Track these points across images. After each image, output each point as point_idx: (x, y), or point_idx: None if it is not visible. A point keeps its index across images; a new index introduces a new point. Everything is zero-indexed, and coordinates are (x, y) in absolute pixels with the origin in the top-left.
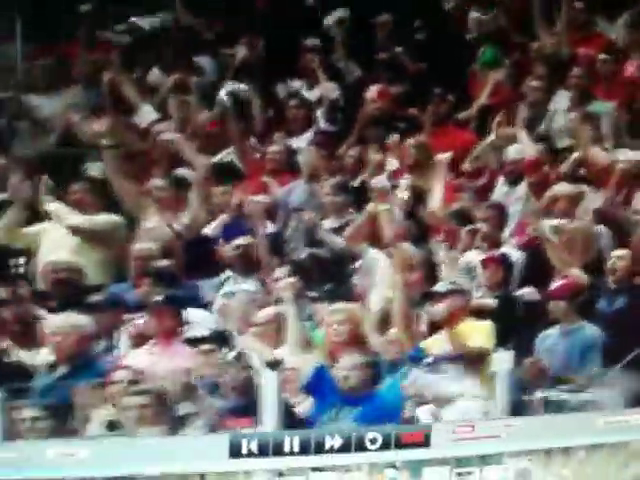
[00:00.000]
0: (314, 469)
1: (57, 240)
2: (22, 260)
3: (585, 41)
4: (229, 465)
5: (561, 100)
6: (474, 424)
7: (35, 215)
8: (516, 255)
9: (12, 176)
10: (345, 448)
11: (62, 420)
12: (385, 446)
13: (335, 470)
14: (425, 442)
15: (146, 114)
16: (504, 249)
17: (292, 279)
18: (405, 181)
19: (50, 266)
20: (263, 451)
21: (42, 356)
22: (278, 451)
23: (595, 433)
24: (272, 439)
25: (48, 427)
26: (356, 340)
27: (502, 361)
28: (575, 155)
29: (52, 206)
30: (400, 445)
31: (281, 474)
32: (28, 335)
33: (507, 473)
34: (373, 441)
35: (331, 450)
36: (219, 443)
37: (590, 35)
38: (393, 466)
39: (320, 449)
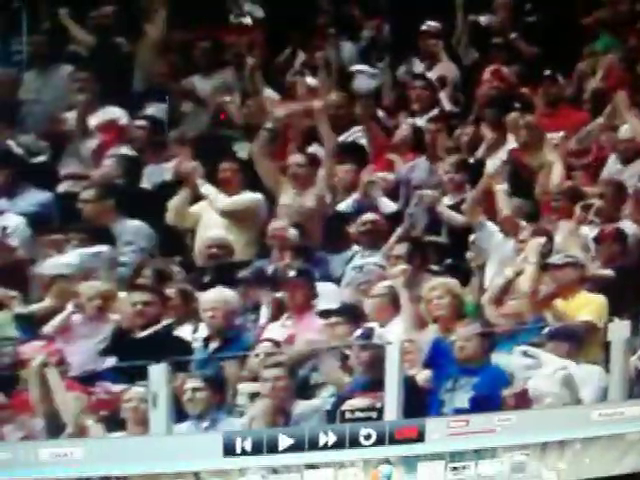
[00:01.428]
0: (308, 466)
1: (211, 219)
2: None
3: None
4: (223, 463)
5: None
6: (468, 419)
7: (195, 196)
8: (632, 229)
9: (178, 158)
10: (339, 444)
11: (218, 392)
12: (379, 442)
13: (329, 467)
14: (419, 437)
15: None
16: (620, 224)
17: (403, 266)
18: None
19: (206, 242)
20: (257, 449)
21: (200, 332)
22: (272, 449)
23: (590, 426)
24: (266, 436)
25: (206, 397)
26: (457, 312)
27: (618, 331)
28: None
29: (205, 189)
30: (394, 441)
31: (275, 471)
32: (188, 311)
33: (503, 467)
34: (367, 437)
35: (325, 447)
36: (213, 441)
37: None
38: (387, 461)
39: (314, 446)
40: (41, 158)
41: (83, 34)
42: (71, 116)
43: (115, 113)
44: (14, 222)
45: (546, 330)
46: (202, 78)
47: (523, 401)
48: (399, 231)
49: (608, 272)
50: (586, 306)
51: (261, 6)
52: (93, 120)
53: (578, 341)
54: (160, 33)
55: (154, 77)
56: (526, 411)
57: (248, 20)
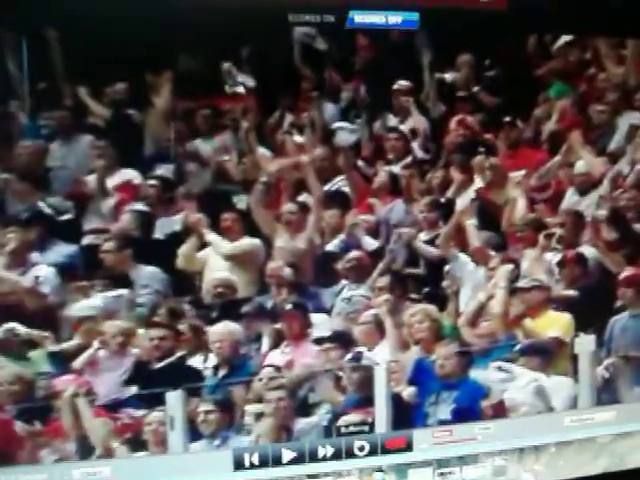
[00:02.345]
0: (309, 476)
1: (216, 263)
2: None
3: None
4: (234, 477)
5: (628, 119)
6: (452, 429)
7: (202, 243)
8: (592, 252)
9: (185, 211)
10: (336, 456)
11: (228, 413)
12: (372, 452)
13: (329, 476)
14: (408, 447)
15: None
16: (580, 249)
17: (386, 295)
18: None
19: (212, 283)
20: (263, 462)
21: (210, 361)
22: (277, 462)
23: (563, 431)
24: (271, 451)
25: (217, 419)
26: (436, 334)
27: (584, 345)
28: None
29: (210, 237)
30: (385, 451)
31: None
32: (198, 344)
33: (485, 471)
34: (361, 448)
35: (324, 458)
36: (224, 457)
37: None
38: (380, 470)
39: (314, 458)
40: (67, 216)
41: (100, 108)
42: (92, 179)
43: (130, 174)
44: (45, 272)
45: (518, 347)
46: (203, 141)
47: (500, 411)
48: (381, 265)
49: (572, 292)
50: (553, 324)
51: (252, 76)
52: (111, 182)
53: (548, 355)
54: (166, 104)
55: (162, 142)
56: (503, 420)
57: (241, 89)
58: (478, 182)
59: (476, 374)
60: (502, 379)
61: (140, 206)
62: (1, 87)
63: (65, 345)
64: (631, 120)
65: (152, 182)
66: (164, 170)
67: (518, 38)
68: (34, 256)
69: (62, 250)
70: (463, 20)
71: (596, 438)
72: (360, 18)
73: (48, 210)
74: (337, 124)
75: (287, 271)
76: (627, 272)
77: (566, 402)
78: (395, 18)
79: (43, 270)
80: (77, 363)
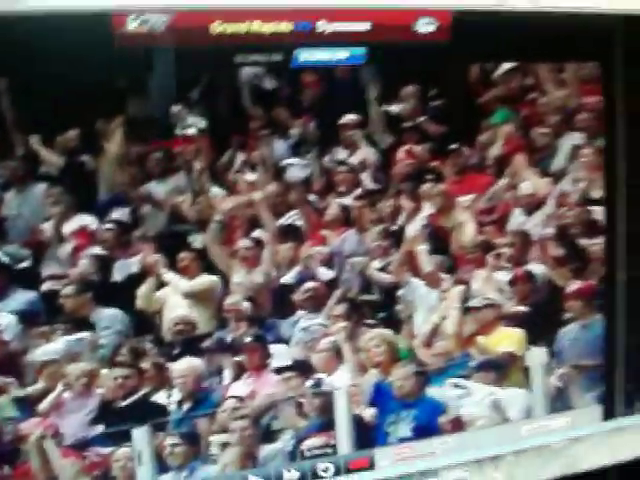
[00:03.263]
0: None
1: (175, 301)
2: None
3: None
4: None
5: (570, 140)
6: (412, 445)
7: (160, 283)
8: (540, 269)
9: (142, 253)
10: (302, 479)
11: (194, 445)
12: (337, 473)
13: None
14: (370, 465)
15: (217, 192)
16: (529, 266)
17: (343, 323)
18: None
19: (172, 321)
20: None
21: (174, 396)
22: None
23: (519, 440)
24: (238, 479)
25: (184, 451)
26: (393, 357)
27: (536, 357)
28: (582, 185)
29: (168, 276)
30: (349, 471)
31: None
32: (162, 380)
33: None
34: (325, 470)
35: None
36: None
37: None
38: None
39: None
40: (25, 264)
41: (52, 156)
42: (48, 226)
43: (85, 220)
44: (6, 320)
45: (472, 363)
46: (157, 183)
47: (458, 425)
48: (337, 294)
49: (522, 308)
50: (506, 339)
51: (203, 118)
52: (67, 228)
53: (501, 370)
54: (118, 149)
55: (116, 186)
56: (462, 433)
57: (192, 131)
58: (427, 209)
59: (433, 392)
60: (458, 395)
61: (97, 250)
62: None
63: (30, 389)
64: (572, 141)
65: (108, 226)
66: (119, 214)
67: (461, 68)
68: None
69: (22, 297)
70: (408, 53)
71: (551, 444)
72: (306, 56)
73: (5, 259)
74: (288, 160)
75: (245, 305)
76: (574, 285)
77: (521, 412)
78: (341, 55)
79: (4, 318)
80: (43, 406)
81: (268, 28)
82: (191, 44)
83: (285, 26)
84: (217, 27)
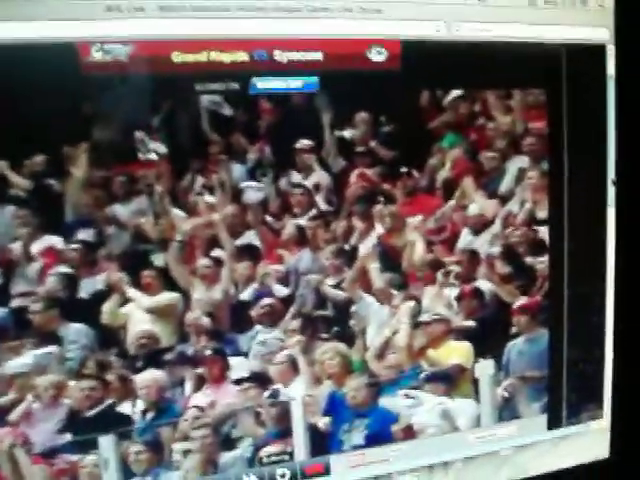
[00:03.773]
0: None
1: (139, 316)
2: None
3: (536, 117)
4: None
5: (517, 164)
6: (364, 452)
7: (124, 299)
8: (487, 286)
9: (107, 271)
10: None
11: (157, 452)
12: (293, 478)
13: None
14: (326, 471)
15: (178, 214)
16: (476, 283)
17: (298, 337)
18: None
19: (136, 335)
20: None
21: (138, 406)
22: None
23: (468, 447)
24: None
25: (148, 458)
26: (346, 369)
27: (484, 369)
28: (528, 206)
29: (131, 292)
30: (305, 476)
31: None
32: (126, 391)
33: None
34: (282, 476)
35: None
36: None
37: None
38: None
39: None
40: None
41: (20, 179)
42: (17, 246)
43: (52, 240)
44: None
45: (423, 375)
46: (121, 205)
47: (410, 434)
48: (292, 310)
49: (470, 323)
50: (454, 352)
51: (164, 143)
52: (35, 247)
53: (451, 381)
54: (83, 173)
55: (82, 208)
56: (413, 441)
57: (154, 156)
58: (379, 229)
59: (385, 402)
60: (409, 405)
61: (64, 269)
62: None
63: (0, 400)
64: (519, 164)
65: (74, 246)
66: (85, 234)
67: (412, 95)
68: None
69: None
70: (360, 81)
71: (499, 451)
72: (263, 84)
73: None
74: (245, 183)
75: (205, 320)
76: (520, 301)
77: (470, 421)
78: (296, 82)
79: None
80: (12, 416)
81: (226, 57)
82: (153, 73)
83: (242, 55)
84: (178, 56)
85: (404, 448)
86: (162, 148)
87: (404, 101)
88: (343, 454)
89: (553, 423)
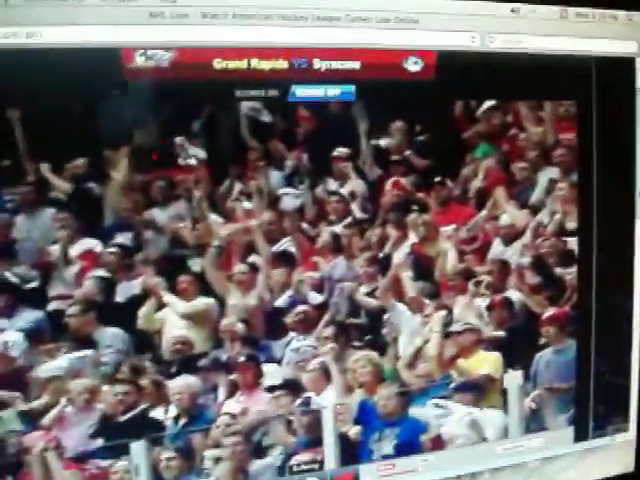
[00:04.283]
0: None
1: (174, 322)
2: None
3: (566, 129)
4: None
5: (548, 175)
6: (394, 462)
7: (160, 304)
8: (517, 296)
9: (143, 275)
10: None
11: (188, 459)
12: None
13: None
14: None
15: (216, 219)
16: (507, 293)
17: (331, 344)
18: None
19: (171, 340)
20: None
21: (170, 412)
22: None
23: (496, 458)
24: None
25: (179, 465)
26: (377, 377)
27: (512, 380)
28: (557, 217)
29: (167, 298)
30: None
31: None
32: (159, 397)
33: None
34: None
35: None
36: None
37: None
38: None
39: None
40: (33, 284)
41: (61, 182)
42: (55, 248)
43: (91, 243)
44: (14, 337)
45: (452, 385)
46: (160, 210)
47: (438, 444)
48: (326, 317)
49: (500, 333)
50: (484, 362)
51: (203, 149)
52: (73, 251)
53: (480, 391)
54: (123, 176)
55: (121, 212)
56: (442, 451)
57: (193, 161)
58: (412, 237)
59: (415, 411)
60: (439, 415)
61: (101, 272)
62: None
63: (34, 404)
64: (549, 175)
65: (112, 250)
66: (123, 238)
67: (446, 105)
68: (2, 323)
69: (29, 316)
70: (395, 90)
71: (526, 463)
72: (301, 91)
73: (15, 279)
74: (282, 190)
75: (240, 326)
76: (549, 312)
77: (498, 432)
78: (333, 91)
79: (11, 336)
80: (45, 420)
81: (266, 64)
82: (194, 78)
83: (282, 63)
84: (219, 63)
85: (433, 459)
86: (202, 153)
87: (438, 111)
88: (373, 464)
89: (580, 435)
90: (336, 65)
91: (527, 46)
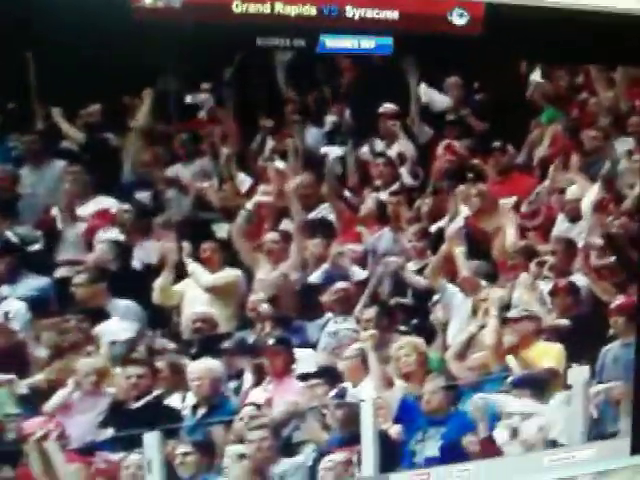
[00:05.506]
0: None
1: (195, 296)
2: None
3: None
4: None
5: (622, 146)
6: (429, 471)
7: (178, 275)
8: (583, 281)
9: (162, 239)
10: None
11: (207, 455)
12: None
13: None
14: None
15: (244, 181)
16: (572, 277)
17: (372, 331)
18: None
19: (191, 317)
20: None
21: (188, 400)
22: None
23: (541, 471)
24: None
25: (196, 461)
26: (423, 368)
27: (577, 375)
28: (636, 192)
29: (191, 267)
30: None
31: None
32: (177, 382)
33: None
34: None
35: None
36: None
37: None
38: None
39: None
40: (37, 246)
41: (74, 131)
42: (64, 207)
43: (106, 203)
44: (15, 307)
45: (510, 379)
46: (183, 166)
47: (486, 447)
48: (367, 296)
49: (564, 322)
50: (546, 354)
51: (230, 100)
52: (85, 209)
53: (541, 387)
54: (143, 127)
55: (140, 167)
56: (481, 461)
57: (220, 112)
58: (466, 210)
59: (464, 409)
60: (489, 414)
61: (115, 235)
62: None
63: (35, 384)
64: (624, 145)
65: (128, 207)
66: (142, 197)
67: (499, 64)
68: (3, 289)
69: (32, 283)
70: (439, 45)
71: (577, 477)
72: (332, 42)
73: (16, 240)
74: (321, 150)
75: (269, 304)
76: (618, 300)
77: (562, 436)
78: (368, 43)
79: (13, 305)
80: (49, 405)
81: (292, 10)
82: (210, 22)
83: (310, 9)
84: (238, 6)
85: (473, 468)
86: (228, 104)
87: (493, 70)
88: (405, 473)
89: (637, 447)
90: (371, 14)
91: (589, 2)
